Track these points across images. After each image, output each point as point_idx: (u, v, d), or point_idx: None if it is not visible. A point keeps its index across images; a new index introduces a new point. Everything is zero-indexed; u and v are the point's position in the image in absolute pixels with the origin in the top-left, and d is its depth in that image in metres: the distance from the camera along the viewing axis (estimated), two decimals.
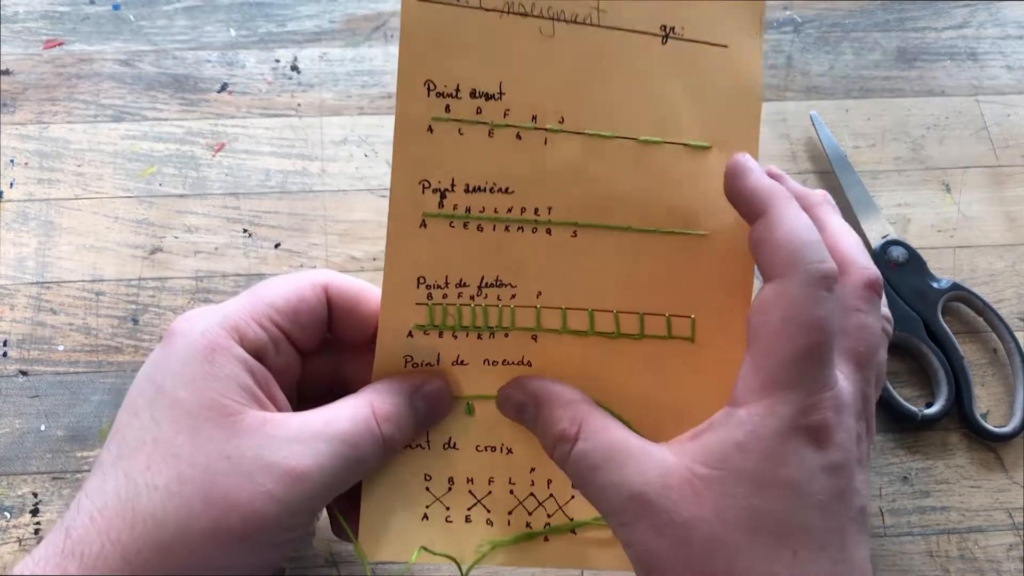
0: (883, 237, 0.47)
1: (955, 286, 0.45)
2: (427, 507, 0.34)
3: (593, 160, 0.33)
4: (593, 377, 0.34)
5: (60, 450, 0.41)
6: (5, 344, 0.44)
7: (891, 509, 0.41)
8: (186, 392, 0.30)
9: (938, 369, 0.43)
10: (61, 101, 0.51)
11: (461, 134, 0.32)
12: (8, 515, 0.40)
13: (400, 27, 0.31)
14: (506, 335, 0.34)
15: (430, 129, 0.32)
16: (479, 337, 0.34)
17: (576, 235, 0.33)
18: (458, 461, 0.34)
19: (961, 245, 0.48)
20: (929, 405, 0.43)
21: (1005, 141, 0.51)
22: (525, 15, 0.31)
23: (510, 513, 0.34)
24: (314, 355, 0.35)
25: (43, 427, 0.42)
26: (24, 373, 0.43)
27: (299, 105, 0.51)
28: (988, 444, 0.42)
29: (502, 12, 0.31)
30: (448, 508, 0.34)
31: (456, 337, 0.34)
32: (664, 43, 0.32)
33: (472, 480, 0.34)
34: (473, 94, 0.32)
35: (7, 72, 0.51)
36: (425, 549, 0.34)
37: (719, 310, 0.33)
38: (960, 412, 0.43)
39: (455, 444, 0.35)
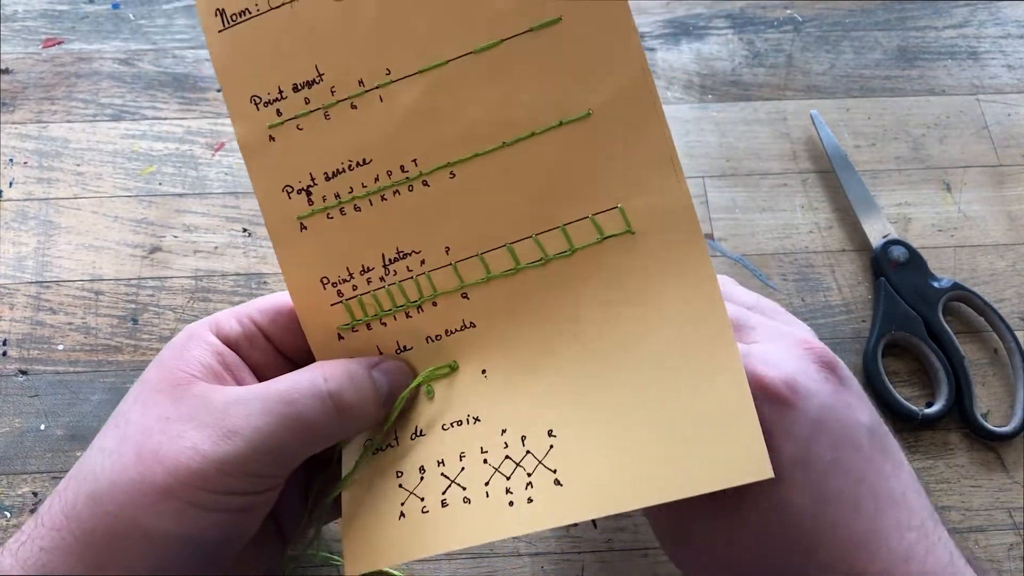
0: (884, 237, 0.46)
1: (956, 286, 0.45)
2: (402, 504, 0.32)
3: (436, 94, 0.31)
4: (547, 316, 0.32)
5: (60, 449, 0.41)
6: (5, 343, 0.44)
7: None
8: (153, 371, 0.31)
9: (939, 369, 0.43)
10: (60, 100, 0.51)
11: (300, 129, 0.32)
12: (8, 514, 0.40)
13: (211, 60, 0.32)
14: (434, 304, 0.33)
15: (271, 138, 0.32)
16: (408, 316, 0.33)
17: (454, 175, 0.32)
18: (427, 447, 0.33)
19: (962, 244, 0.48)
20: (930, 405, 0.43)
21: (1006, 140, 0.51)
22: None
23: (487, 484, 0.31)
24: None
25: (43, 426, 0.42)
26: (24, 372, 0.43)
27: None
28: (988, 444, 0.42)
29: (291, 2, 0.31)
30: (423, 499, 0.32)
31: (386, 324, 0.33)
32: None
33: (443, 462, 0.32)
34: (296, 88, 0.32)
35: (6, 71, 0.51)
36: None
37: (648, 185, 0.30)
38: (960, 412, 0.43)
39: (422, 431, 0.33)
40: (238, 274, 0.46)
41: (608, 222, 0.31)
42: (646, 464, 0.29)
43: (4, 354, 0.44)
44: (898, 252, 0.46)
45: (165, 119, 0.50)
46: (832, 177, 0.49)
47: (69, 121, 0.50)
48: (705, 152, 0.50)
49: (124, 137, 0.50)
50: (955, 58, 0.54)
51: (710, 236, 0.47)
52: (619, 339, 0.31)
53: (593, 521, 0.40)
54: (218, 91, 0.51)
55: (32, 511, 0.40)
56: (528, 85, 0.30)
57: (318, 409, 0.30)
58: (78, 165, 0.49)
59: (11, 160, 0.49)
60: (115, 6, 0.54)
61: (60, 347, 0.44)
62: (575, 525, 0.40)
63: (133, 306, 0.45)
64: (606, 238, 0.31)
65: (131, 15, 0.54)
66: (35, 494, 0.40)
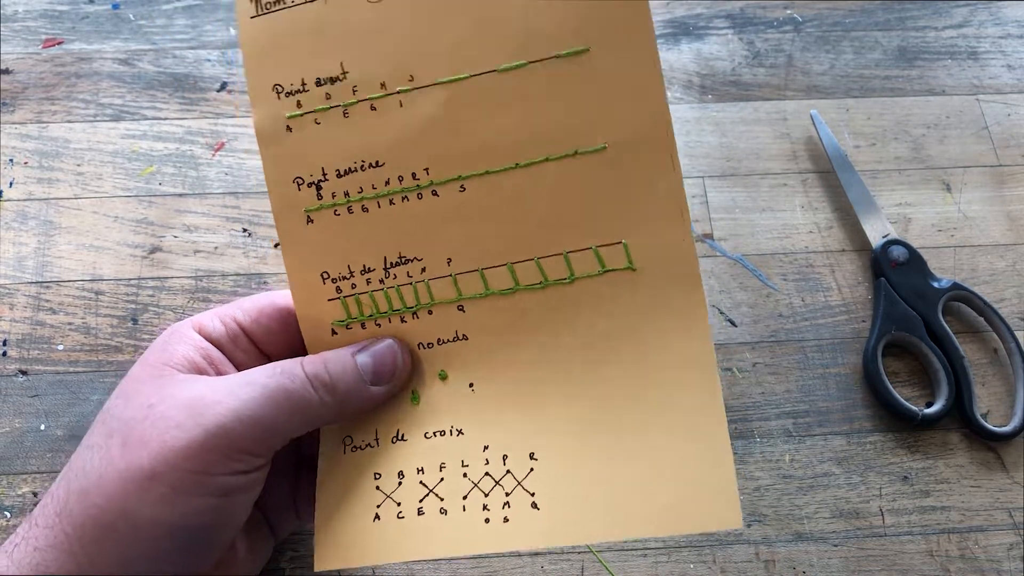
0: (884, 236, 0.46)
1: (956, 286, 0.45)
2: (378, 506, 0.32)
3: (456, 107, 0.31)
4: (539, 340, 0.32)
5: (60, 449, 0.41)
6: (5, 344, 0.44)
7: (891, 509, 0.41)
8: (137, 368, 0.32)
9: (938, 369, 0.43)
10: (60, 100, 0.51)
11: (318, 124, 0.32)
12: (8, 514, 0.40)
13: (240, 44, 0.32)
14: (430, 312, 0.33)
15: (288, 128, 0.32)
16: (403, 320, 0.33)
17: (464, 189, 0.32)
18: (407, 453, 0.33)
19: (961, 244, 0.48)
20: (929, 405, 0.43)
21: (1005, 140, 0.51)
22: None
23: (464, 498, 0.32)
24: None
25: (43, 427, 0.42)
26: (24, 373, 0.43)
27: None
28: (988, 444, 0.42)
29: None
30: (399, 504, 0.32)
31: (380, 325, 0.34)
32: None
33: (422, 470, 0.32)
34: (318, 82, 0.32)
35: (6, 71, 0.51)
36: None
37: (654, 227, 0.31)
38: (960, 412, 0.43)
39: (403, 436, 0.33)
40: (238, 274, 0.46)
41: (611, 256, 0.31)
42: (623, 500, 0.30)
43: (4, 354, 0.44)
44: (898, 252, 0.46)
45: (165, 119, 0.50)
46: (832, 177, 0.49)
47: (69, 121, 0.50)
48: (705, 152, 0.50)
49: (124, 137, 0.50)
50: (955, 58, 0.54)
51: (710, 236, 0.47)
52: (609, 373, 0.31)
53: None
54: (218, 91, 0.51)
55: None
56: (548, 110, 0.30)
57: (298, 386, 0.31)
58: (78, 165, 0.49)
59: (11, 160, 0.49)
60: (115, 6, 0.54)
61: (60, 347, 0.44)
62: None
63: (133, 306, 0.45)
64: (607, 271, 0.31)
65: (131, 15, 0.54)
66: (35, 494, 0.40)
